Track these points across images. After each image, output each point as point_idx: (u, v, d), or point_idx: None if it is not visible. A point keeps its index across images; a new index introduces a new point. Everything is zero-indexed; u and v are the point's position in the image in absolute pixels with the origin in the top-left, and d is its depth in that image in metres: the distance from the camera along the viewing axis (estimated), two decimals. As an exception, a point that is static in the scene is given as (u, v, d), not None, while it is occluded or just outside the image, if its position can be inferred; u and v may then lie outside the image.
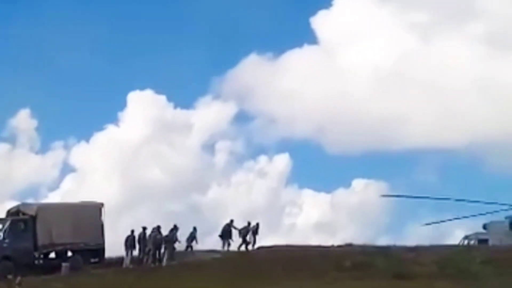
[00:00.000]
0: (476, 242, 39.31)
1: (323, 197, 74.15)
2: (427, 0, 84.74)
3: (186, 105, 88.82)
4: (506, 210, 41.06)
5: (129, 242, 34.20)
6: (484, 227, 41.02)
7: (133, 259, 34.21)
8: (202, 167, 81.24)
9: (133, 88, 79.80)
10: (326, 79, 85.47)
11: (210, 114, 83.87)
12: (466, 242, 39.50)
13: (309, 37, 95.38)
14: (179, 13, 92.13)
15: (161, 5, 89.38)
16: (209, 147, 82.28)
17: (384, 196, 51.15)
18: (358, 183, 75.37)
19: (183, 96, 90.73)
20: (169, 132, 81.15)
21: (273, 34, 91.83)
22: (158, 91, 79.99)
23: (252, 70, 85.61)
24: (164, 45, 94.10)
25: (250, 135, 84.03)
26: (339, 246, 36.24)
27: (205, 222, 64.60)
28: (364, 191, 73.61)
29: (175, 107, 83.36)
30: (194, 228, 36.66)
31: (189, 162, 78.73)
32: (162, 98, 79.91)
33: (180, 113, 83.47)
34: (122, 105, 78.69)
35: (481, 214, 40.29)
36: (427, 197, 42.58)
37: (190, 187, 75.32)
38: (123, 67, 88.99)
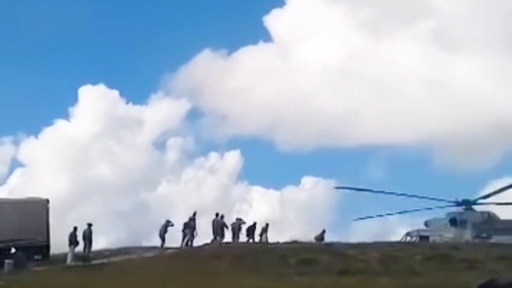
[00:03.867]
0: (418, 239, 40.31)
1: (272, 194, 74.84)
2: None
3: (138, 101, 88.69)
4: (444, 206, 42.52)
5: (72, 239, 33.89)
6: (426, 223, 42.18)
7: (76, 256, 33.89)
8: (152, 164, 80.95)
9: (85, 82, 79.07)
10: (278, 76, 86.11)
11: (162, 110, 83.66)
12: (408, 238, 40.48)
13: (263, 35, 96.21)
14: (132, 8, 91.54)
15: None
16: (160, 144, 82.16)
17: (337, 188, 52.07)
18: (307, 181, 76.37)
19: (136, 91, 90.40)
20: (120, 128, 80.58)
21: (227, 31, 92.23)
22: (111, 85, 79.49)
23: (205, 66, 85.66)
24: (117, 39, 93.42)
25: (202, 132, 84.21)
26: (285, 243, 36.68)
27: (153, 219, 64.48)
28: (313, 189, 74.64)
29: (127, 102, 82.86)
30: (167, 221, 36.55)
31: (139, 158, 78.34)
32: (115, 93, 79.38)
33: (132, 109, 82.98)
34: (73, 99, 77.95)
35: (416, 210, 41.82)
36: (378, 191, 44.06)
37: (139, 184, 75.01)
38: (74, 60, 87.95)
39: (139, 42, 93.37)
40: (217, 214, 37.12)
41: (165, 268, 29.75)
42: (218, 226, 36.46)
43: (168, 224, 36.54)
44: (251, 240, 38.19)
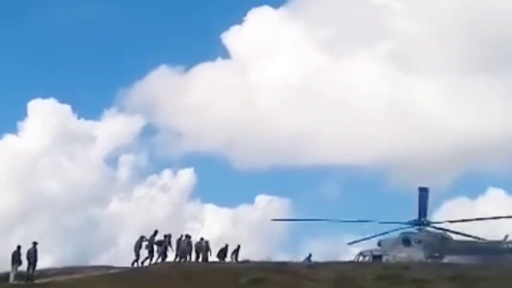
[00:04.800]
0: (371, 258, 40.15)
1: (225, 212, 74.11)
2: (337, 18, 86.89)
3: (91, 116, 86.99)
4: (398, 229, 42.57)
5: (16, 257, 32.63)
6: (379, 243, 42.08)
7: (19, 275, 32.64)
8: (104, 181, 79.44)
9: (34, 96, 77.30)
10: (236, 93, 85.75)
11: (115, 126, 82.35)
12: (361, 258, 40.28)
13: (221, 52, 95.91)
14: (87, 21, 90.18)
15: (68, 8, 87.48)
16: (112, 160, 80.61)
17: (274, 220, 51.90)
18: (262, 199, 75.88)
19: (89, 106, 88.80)
20: (71, 143, 79.03)
21: (185, 47, 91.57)
22: (62, 100, 77.92)
23: (161, 82, 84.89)
24: (70, 52, 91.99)
25: (156, 149, 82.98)
26: (237, 262, 36.02)
27: (103, 236, 63.18)
28: (266, 207, 74.07)
29: (79, 117, 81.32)
30: (141, 237, 35.59)
31: (90, 175, 76.75)
32: (66, 107, 77.87)
33: (84, 124, 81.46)
34: (23, 114, 76.17)
35: (378, 235, 41.67)
36: (317, 220, 44.00)
37: (89, 201, 73.44)
38: (24, 74, 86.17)
39: (94, 56, 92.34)
40: (182, 235, 36.56)
41: (111, 287, 28.88)
42: (181, 246, 35.92)
43: (142, 240, 35.55)
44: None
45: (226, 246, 38.56)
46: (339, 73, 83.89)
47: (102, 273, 33.17)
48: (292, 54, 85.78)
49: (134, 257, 35.28)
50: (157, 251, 35.43)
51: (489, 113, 79.60)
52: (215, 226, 67.77)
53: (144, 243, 35.46)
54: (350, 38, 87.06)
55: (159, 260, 35.31)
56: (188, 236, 36.72)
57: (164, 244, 35.69)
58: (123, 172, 79.95)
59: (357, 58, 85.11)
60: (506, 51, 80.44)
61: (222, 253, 38.20)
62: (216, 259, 37.47)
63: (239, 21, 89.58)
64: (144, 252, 35.20)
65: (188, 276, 30.68)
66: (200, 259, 36.37)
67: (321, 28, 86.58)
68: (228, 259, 38.25)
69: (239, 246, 39.05)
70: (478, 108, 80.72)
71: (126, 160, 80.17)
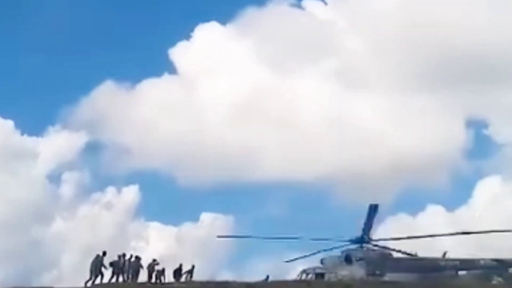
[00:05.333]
0: (314, 277, 40.35)
1: (170, 230, 73.44)
2: (283, 35, 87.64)
3: (34, 132, 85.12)
4: (341, 246, 43.00)
5: None
6: (322, 261, 42.36)
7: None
8: (46, 199, 77.77)
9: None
10: (182, 110, 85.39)
11: (59, 143, 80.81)
12: (303, 276, 40.45)
13: (168, 67, 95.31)
14: (31, 34, 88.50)
15: (14, 22, 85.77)
16: (55, 178, 78.96)
17: (220, 237, 51.87)
18: (206, 217, 75.49)
19: (32, 123, 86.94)
20: (13, 160, 77.18)
21: (131, 62, 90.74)
22: (5, 116, 76.18)
23: (107, 98, 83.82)
24: (13, 67, 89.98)
25: (100, 166, 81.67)
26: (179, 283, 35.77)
27: (46, 256, 61.77)
28: (211, 225, 73.71)
29: (22, 133, 79.57)
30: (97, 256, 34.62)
31: (32, 192, 75.05)
32: (9, 123, 76.19)
33: (27, 140, 79.68)
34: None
35: (322, 251, 41.95)
36: (263, 238, 44.11)
37: (31, 220, 71.77)
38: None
39: (37, 71, 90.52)
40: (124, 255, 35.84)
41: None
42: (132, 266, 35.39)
43: (100, 257, 34.81)
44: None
45: (180, 265, 38.36)
46: (285, 89, 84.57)
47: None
48: (238, 71, 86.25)
49: (88, 277, 34.60)
50: (113, 272, 34.96)
51: (428, 130, 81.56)
52: (160, 244, 67.10)
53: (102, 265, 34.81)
54: (296, 55, 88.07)
55: (113, 280, 34.83)
56: (138, 257, 36.14)
57: (119, 264, 35.26)
58: (67, 189, 78.54)
59: (303, 75, 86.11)
60: (445, 70, 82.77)
61: (177, 273, 38.00)
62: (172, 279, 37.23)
63: (187, 36, 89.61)
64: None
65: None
66: (153, 280, 36.08)
67: (268, 45, 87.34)
68: (182, 279, 38.03)
69: (193, 266, 38.96)
70: (418, 125, 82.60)
71: (69, 177, 78.81)
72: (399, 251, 42.75)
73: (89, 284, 34.21)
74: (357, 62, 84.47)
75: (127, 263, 35.45)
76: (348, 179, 75.83)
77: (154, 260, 37.47)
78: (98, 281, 34.32)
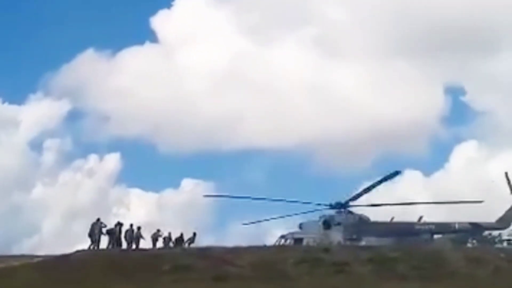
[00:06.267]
0: (292, 242, 41.00)
1: (151, 196, 74.06)
2: (263, 4, 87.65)
3: (15, 100, 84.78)
4: (321, 210, 43.59)
5: None
6: (300, 226, 43.00)
7: None
8: (28, 166, 77.87)
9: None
10: (163, 78, 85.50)
11: (40, 111, 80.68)
12: (282, 241, 41.10)
13: (149, 36, 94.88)
14: (13, 3, 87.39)
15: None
16: (36, 145, 79.02)
17: (206, 196, 52.33)
18: (187, 183, 76.15)
19: (13, 91, 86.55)
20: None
21: (113, 31, 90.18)
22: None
23: (88, 66, 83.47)
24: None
25: (82, 134, 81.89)
26: (159, 249, 36.32)
27: (27, 223, 62.08)
28: (192, 191, 74.45)
29: (3, 102, 79.25)
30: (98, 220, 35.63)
31: (14, 160, 75.11)
32: (-10, 92, 75.60)
33: (8, 108, 79.43)
34: None
35: (295, 214, 42.55)
36: (247, 197, 44.50)
37: (12, 186, 71.96)
38: None
39: (19, 40, 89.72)
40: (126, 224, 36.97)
41: (32, 277, 28.68)
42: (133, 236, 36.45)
43: (101, 225, 35.50)
44: None
45: (182, 234, 39.24)
46: (264, 58, 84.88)
47: (25, 262, 32.81)
48: (218, 39, 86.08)
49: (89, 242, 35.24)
50: (108, 239, 35.67)
51: (407, 98, 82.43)
52: (141, 211, 67.73)
53: (104, 228, 35.43)
54: (276, 23, 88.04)
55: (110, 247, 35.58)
56: (139, 228, 37.06)
57: (115, 233, 35.83)
58: (48, 157, 78.67)
59: (282, 43, 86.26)
60: (423, 38, 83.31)
61: (179, 242, 38.76)
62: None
63: (168, 5, 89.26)
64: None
65: (111, 264, 30.67)
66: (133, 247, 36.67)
67: (248, 13, 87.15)
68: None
69: (194, 234, 39.83)
70: (397, 92, 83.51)
71: (51, 144, 78.92)
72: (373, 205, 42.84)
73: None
74: (337, 30, 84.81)
75: (129, 232, 36.30)
76: (328, 146, 76.72)
77: (158, 230, 38.43)
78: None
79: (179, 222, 68.37)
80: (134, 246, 36.59)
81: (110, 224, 36.45)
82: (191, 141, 78.71)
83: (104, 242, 35.86)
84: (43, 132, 79.91)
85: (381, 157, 77.41)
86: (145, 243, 37.29)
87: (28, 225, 65.50)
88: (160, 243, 38.27)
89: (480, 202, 41.19)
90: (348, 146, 75.36)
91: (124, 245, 36.30)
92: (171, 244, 38.50)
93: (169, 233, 39.06)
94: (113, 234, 35.92)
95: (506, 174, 43.64)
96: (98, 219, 35.62)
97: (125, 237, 36.38)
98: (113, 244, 35.84)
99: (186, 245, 39.17)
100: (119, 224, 36.45)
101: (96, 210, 60.15)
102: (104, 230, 35.70)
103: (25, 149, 78.73)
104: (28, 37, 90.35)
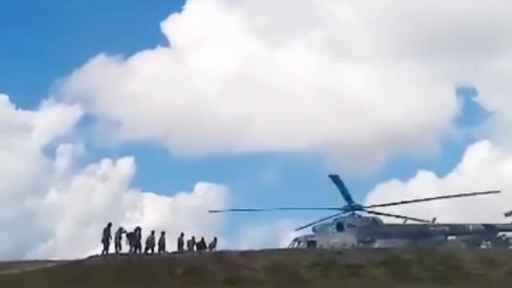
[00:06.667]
0: (306, 245, 40.93)
1: (164, 200, 74.13)
2: (273, 7, 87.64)
3: (28, 106, 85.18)
4: (335, 213, 43.45)
5: None
6: (314, 229, 42.94)
7: None
8: (41, 171, 78.17)
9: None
10: (174, 81, 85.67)
11: (53, 116, 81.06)
12: (296, 244, 41.03)
13: (160, 40, 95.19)
14: (25, 9, 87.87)
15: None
16: (50, 151, 79.32)
17: (211, 211, 52.34)
18: (201, 187, 76.16)
19: (26, 96, 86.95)
20: (8, 134, 77.46)
21: (124, 35, 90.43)
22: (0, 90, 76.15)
23: (100, 71, 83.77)
24: (8, 41, 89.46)
25: (94, 139, 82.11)
26: (173, 253, 36.33)
27: (41, 228, 62.30)
28: (205, 195, 74.46)
29: (17, 108, 79.72)
30: (120, 229, 35.67)
31: (28, 165, 75.46)
32: (4, 97, 76.32)
33: (22, 114, 79.87)
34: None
35: (312, 224, 42.28)
36: (254, 210, 44.51)
37: (27, 192, 72.29)
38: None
39: (31, 45, 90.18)
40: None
41: (45, 282, 28.77)
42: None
43: (121, 231, 35.66)
44: None
45: (203, 239, 39.49)
46: (275, 60, 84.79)
47: (38, 268, 32.91)
48: (229, 42, 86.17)
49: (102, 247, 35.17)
50: (129, 244, 35.78)
51: (418, 98, 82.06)
52: (154, 215, 67.82)
53: (123, 234, 35.55)
54: (286, 26, 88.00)
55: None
56: (163, 232, 37.22)
57: (136, 237, 36.00)
58: (61, 162, 78.97)
59: (292, 46, 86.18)
60: (435, 39, 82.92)
61: (201, 246, 38.98)
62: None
63: (178, 9, 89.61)
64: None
65: (124, 269, 30.70)
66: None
67: (258, 16, 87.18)
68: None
69: (215, 239, 40.13)
70: (409, 93, 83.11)
71: (64, 150, 79.21)
72: (388, 215, 43.01)
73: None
74: (346, 32, 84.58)
75: (150, 238, 36.56)
76: (339, 147, 76.52)
77: (183, 234, 38.55)
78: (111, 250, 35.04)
79: (194, 226, 68.26)
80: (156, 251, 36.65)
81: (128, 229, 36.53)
82: (203, 144, 78.82)
83: (124, 246, 35.88)
84: (56, 137, 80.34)
85: (393, 158, 77.33)
86: (170, 248, 37.41)
87: (42, 231, 65.82)
88: (185, 247, 38.28)
89: (497, 192, 40.56)
90: (360, 148, 75.21)
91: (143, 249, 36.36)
92: (194, 248, 38.53)
93: (193, 237, 39.12)
94: (134, 238, 35.99)
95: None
96: (110, 224, 35.62)
97: (147, 242, 36.40)
98: (134, 248, 35.89)
99: (208, 250, 39.21)
100: (138, 229, 36.57)
101: (109, 214, 60.32)
102: (123, 235, 35.70)
103: (39, 155, 79.22)
104: (40, 43, 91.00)
